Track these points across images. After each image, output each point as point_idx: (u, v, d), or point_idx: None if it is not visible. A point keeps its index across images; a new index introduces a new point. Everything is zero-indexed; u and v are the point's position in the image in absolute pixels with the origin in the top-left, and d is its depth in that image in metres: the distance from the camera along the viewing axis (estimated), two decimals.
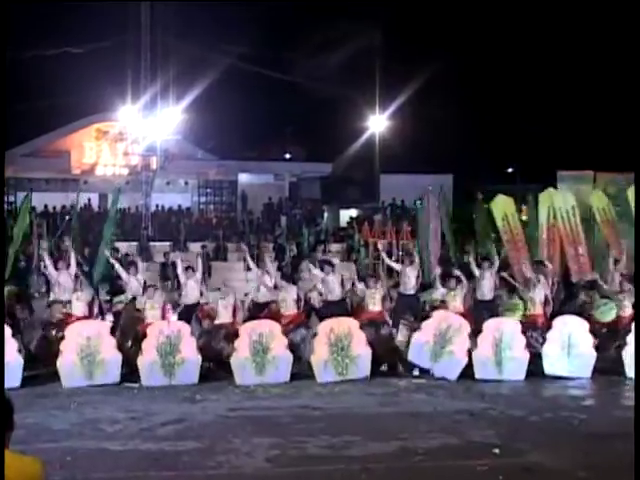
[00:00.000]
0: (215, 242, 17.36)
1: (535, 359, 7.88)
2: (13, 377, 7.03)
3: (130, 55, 18.01)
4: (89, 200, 22.70)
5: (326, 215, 20.88)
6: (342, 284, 9.75)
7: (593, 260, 10.69)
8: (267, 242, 17.97)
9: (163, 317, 8.22)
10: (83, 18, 20.09)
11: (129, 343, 8.01)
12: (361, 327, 8.02)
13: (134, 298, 8.88)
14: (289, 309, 8.59)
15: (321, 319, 8.39)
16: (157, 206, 21.88)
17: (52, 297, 8.93)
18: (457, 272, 9.02)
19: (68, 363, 7.37)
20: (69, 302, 8.52)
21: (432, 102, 23.37)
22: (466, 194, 14.26)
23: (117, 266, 9.50)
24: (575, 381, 7.73)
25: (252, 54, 22.17)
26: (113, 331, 8.02)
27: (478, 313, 8.71)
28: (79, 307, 8.33)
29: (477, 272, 9.19)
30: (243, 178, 24.15)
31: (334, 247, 17.19)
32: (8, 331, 7.30)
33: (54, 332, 8.03)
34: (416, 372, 7.88)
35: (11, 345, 7.24)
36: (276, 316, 8.47)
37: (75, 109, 22.80)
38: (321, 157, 24.47)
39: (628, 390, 7.11)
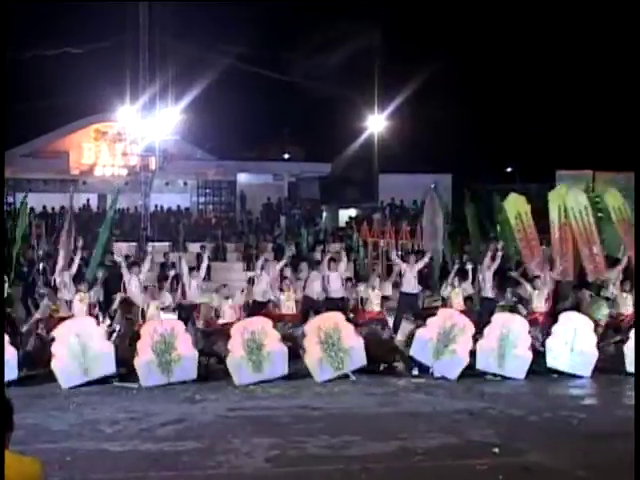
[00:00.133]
0: (214, 242, 17.35)
1: (535, 357, 7.89)
2: (10, 370, 7.04)
3: (129, 55, 18.00)
4: (88, 201, 22.69)
5: (324, 215, 20.90)
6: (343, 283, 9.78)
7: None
8: (266, 242, 17.97)
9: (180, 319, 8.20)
10: (82, 18, 20.09)
11: (126, 343, 8.00)
12: (361, 327, 8.02)
13: (125, 299, 8.85)
14: (288, 309, 8.58)
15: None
16: (156, 206, 21.87)
17: (51, 298, 8.90)
18: (468, 267, 9.07)
19: (62, 364, 7.37)
20: (71, 302, 8.49)
21: (431, 102, 23.39)
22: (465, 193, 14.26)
23: (124, 265, 9.45)
24: (575, 380, 7.75)
25: (251, 54, 22.19)
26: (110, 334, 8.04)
27: (480, 310, 8.78)
28: (81, 308, 8.29)
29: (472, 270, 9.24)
30: (242, 178, 24.14)
31: (333, 247, 17.18)
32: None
33: (46, 333, 8.01)
34: (415, 372, 7.88)
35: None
36: (275, 316, 8.46)
37: (74, 109, 22.80)
38: (320, 157, 24.47)
39: (628, 389, 7.11)
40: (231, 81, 22.43)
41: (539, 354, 7.87)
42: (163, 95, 18.44)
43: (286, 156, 28.72)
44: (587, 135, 23.71)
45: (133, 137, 19.67)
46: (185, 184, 24.06)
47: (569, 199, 10.85)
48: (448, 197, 18.44)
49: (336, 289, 9.65)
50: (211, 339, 8.17)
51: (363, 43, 22.92)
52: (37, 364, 7.65)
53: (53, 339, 7.44)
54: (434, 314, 8.06)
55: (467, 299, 9.08)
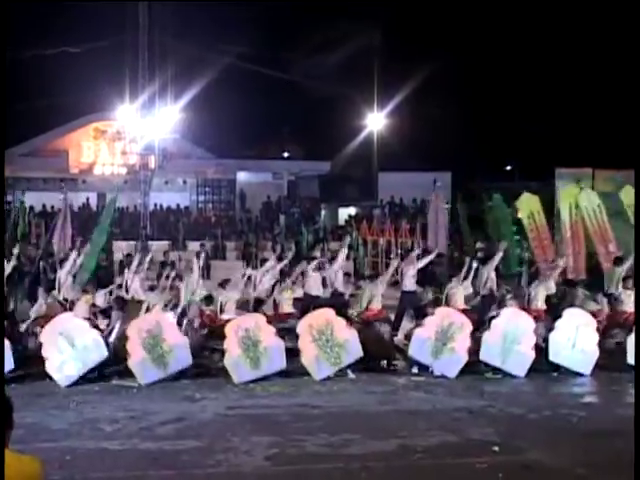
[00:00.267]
0: (214, 241, 17.36)
1: (537, 356, 7.88)
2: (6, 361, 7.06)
3: (128, 54, 17.98)
4: (87, 199, 22.68)
5: (323, 213, 20.91)
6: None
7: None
8: (266, 241, 17.97)
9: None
10: (81, 18, 20.06)
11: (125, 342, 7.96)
12: (362, 325, 8.01)
13: (121, 298, 8.81)
14: (288, 308, 8.57)
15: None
16: (155, 205, 21.86)
17: (51, 298, 8.89)
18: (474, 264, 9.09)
19: (56, 364, 7.38)
20: (73, 302, 8.46)
21: (430, 100, 23.38)
22: (464, 191, 14.30)
23: (135, 263, 9.43)
24: (575, 378, 7.74)
25: (250, 53, 22.16)
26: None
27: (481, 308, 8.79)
28: (85, 309, 8.25)
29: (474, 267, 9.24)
30: (241, 177, 24.12)
31: (333, 245, 17.17)
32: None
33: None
34: (415, 370, 7.87)
35: None
36: (274, 315, 8.45)
37: (73, 108, 22.79)
38: (319, 155, 24.46)
39: (628, 387, 7.10)
40: (230, 80, 22.42)
41: (541, 352, 7.87)
42: (162, 94, 18.45)
43: (285, 154, 28.71)
44: (586, 133, 23.70)
45: (132, 136, 19.66)
46: (184, 183, 24.05)
47: (582, 198, 10.87)
48: (447, 195, 18.45)
49: (337, 286, 9.65)
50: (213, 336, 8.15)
51: (362, 42, 22.92)
52: (34, 364, 7.63)
53: (41, 345, 7.43)
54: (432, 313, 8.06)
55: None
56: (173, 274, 9.25)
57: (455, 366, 7.64)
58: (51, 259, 12.08)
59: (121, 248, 16.39)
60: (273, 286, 9.12)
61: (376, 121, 24.18)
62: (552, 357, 7.82)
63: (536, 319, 8.14)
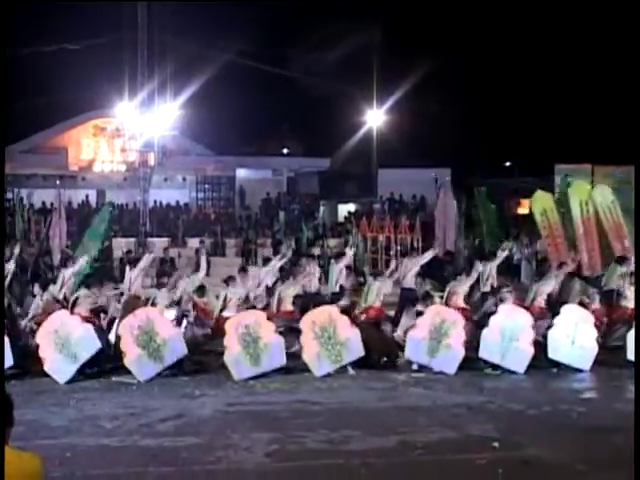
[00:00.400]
0: (213, 238, 17.36)
1: (537, 351, 7.89)
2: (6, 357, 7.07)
3: (127, 51, 17.95)
4: (87, 197, 22.66)
5: (322, 210, 20.88)
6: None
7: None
8: (265, 237, 17.97)
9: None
10: (80, 14, 20.00)
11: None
12: (362, 322, 8.00)
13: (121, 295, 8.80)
14: (290, 305, 8.56)
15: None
16: (155, 202, 21.85)
17: (48, 294, 8.87)
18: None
19: (53, 362, 7.38)
20: (75, 301, 8.43)
21: (430, 96, 23.34)
22: (464, 188, 14.27)
23: (144, 261, 9.42)
24: (574, 374, 7.73)
25: (249, 50, 22.12)
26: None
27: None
28: (86, 308, 8.23)
29: (480, 265, 9.27)
30: (241, 173, 24.11)
31: (332, 242, 17.19)
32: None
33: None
34: (415, 366, 7.88)
35: None
36: (273, 314, 8.43)
37: (72, 106, 22.75)
38: (319, 152, 24.44)
39: (628, 383, 7.10)
40: (230, 77, 22.37)
41: (541, 349, 7.88)
42: (162, 91, 18.42)
43: (285, 151, 28.67)
44: (586, 129, 23.67)
45: (132, 133, 19.64)
46: (184, 179, 24.03)
47: (596, 194, 10.86)
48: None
49: (342, 283, 9.65)
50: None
51: (362, 39, 22.87)
52: (33, 361, 7.63)
53: (38, 346, 7.44)
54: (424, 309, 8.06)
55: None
56: (178, 273, 9.25)
57: (453, 362, 7.64)
58: (47, 257, 12.06)
59: (121, 245, 16.39)
60: (275, 283, 9.09)
61: (375, 118, 24.14)
62: (551, 354, 7.82)
63: (537, 316, 8.15)
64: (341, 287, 9.63)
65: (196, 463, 5.06)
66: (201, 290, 8.80)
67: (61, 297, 8.71)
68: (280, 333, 7.72)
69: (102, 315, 8.45)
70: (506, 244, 9.73)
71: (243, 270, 9.69)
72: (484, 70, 25.28)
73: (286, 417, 6.20)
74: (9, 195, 20.56)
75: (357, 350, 7.59)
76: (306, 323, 7.65)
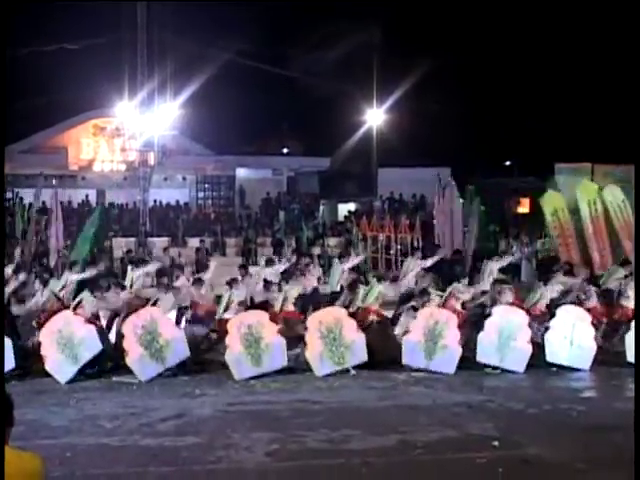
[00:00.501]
0: (213, 237, 17.36)
1: (535, 350, 7.89)
2: (7, 360, 7.06)
3: (127, 51, 17.93)
4: (87, 196, 22.66)
5: (322, 209, 20.87)
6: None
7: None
8: (265, 237, 17.97)
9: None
10: (79, 14, 19.97)
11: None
12: (369, 324, 8.00)
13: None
14: (290, 307, 8.55)
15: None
16: (155, 202, 21.84)
17: (47, 291, 8.88)
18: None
19: (54, 361, 7.38)
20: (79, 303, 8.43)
21: (430, 96, 23.33)
22: (464, 187, 14.24)
23: (155, 264, 9.43)
24: (574, 373, 7.72)
25: (249, 49, 22.10)
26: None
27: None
28: (88, 309, 8.21)
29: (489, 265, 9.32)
30: (241, 173, 24.10)
31: (332, 241, 17.19)
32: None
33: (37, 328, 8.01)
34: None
35: None
36: (274, 314, 8.42)
37: (72, 105, 22.73)
38: (319, 151, 24.44)
39: (628, 382, 7.11)
40: (230, 76, 22.36)
41: (540, 348, 7.87)
42: (161, 90, 18.39)
43: (285, 151, 28.67)
44: (586, 128, 23.65)
45: (132, 132, 19.62)
46: (184, 179, 24.02)
47: (606, 194, 10.89)
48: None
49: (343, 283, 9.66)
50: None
51: (362, 38, 22.84)
52: (34, 361, 7.63)
53: (40, 344, 7.44)
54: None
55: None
56: (184, 274, 9.25)
57: (452, 361, 7.64)
58: (44, 258, 12.07)
59: (121, 245, 16.39)
60: (279, 283, 9.07)
61: (375, 117, 24.11)
62: (549, 358, 7.79)
63: (538, 319, 8.13)
64: (341, 287, 9.64)
65: (196, 463, 5.06)
66: (198, 282, 8.80)
67: (61, 294, 8.71)
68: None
69: (102, 313, 8.43)
70: (515, 248, 9.71)
71: (244, 269, 9.69)
72: (484, 70, 25.28)
73: (287, 416, 6.19)
74: (8, 195, 20.56)
75: (361, 354, 7.60)
76: (313, 322, 7.66)
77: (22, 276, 8.78)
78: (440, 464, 5.10)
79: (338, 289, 9.72)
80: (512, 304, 8.79)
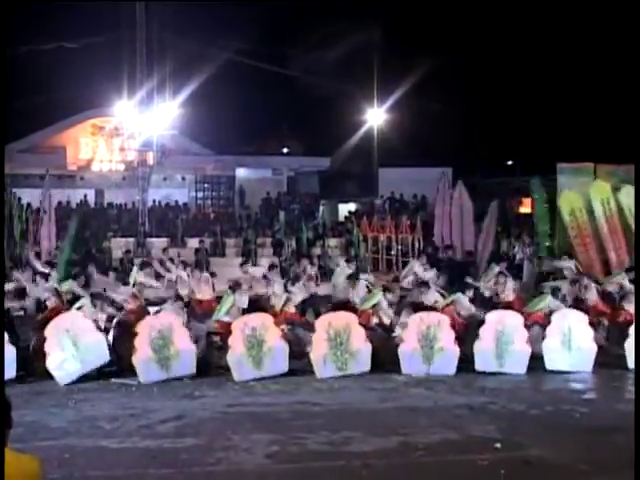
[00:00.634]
0: (213, 237, 17.31)
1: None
2: (8, 368, 7.00)
3: (126, 50, 17.87)
4: (85, 196, 22.59)
5: (322, 209, 20.81)
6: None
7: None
8: (265, 237, 17.93)
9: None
10: (78, 13, 19.92)
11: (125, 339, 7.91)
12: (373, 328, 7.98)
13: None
14: (291, 309, 8.52)
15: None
16: (154, 202, 21.78)
17: (48, 292, 8.84)
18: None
19: (57, 361, 7.33)
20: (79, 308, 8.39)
21: (431, 95, 23.30)
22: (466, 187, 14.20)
23: (163, 266, 9.41)
24: (576, 375, 7.68)
25: (249, 49, 22.08)
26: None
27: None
28: (91, 311, 8.17)
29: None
30: (241, 173, 24.03)
31: (332, 242, 17.15)
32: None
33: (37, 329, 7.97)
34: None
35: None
36: (275, 314, 8.40)
37: (70, 104, 22.66)
38: (319, 151, 24.37)
39: (630, 384, 7.09)
40: (229, 75, 22.33)
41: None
42: (161, 89, 18.33)
43: (285, 150, 28.64)
44: (587, 127, 23.61)
45: (130, 132, 19.57)
46: (183, 179, 23.95)
47: (622, 195, 10.86)
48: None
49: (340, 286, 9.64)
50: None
51: (362, 37, 22.83)
52: (33, 362, 7.58)
53: (44, 339, 7.39)
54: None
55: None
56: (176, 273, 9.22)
57: (451, 363, 7.61)
58: (38, 259, 12.03)
59: (120, 245, 16.35)
60: (285, 285, 9.04)
61: (376, 116, 24.08)
62: (549, 365, 7.73)
63: (540, 324, 8.09)
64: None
65: (196, 464, 5.03)
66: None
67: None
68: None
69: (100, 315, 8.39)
70: (517, 249, 9.68)
71: (245, 271, 9.68)
72: (485, 69, 25.24)
73: (287, 418, 6.16)
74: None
75: (364, 364, 7.56)
76: (322, 323, 7.62)
77: (18, 275, 8.74)
78: (441, 466, 5.07)
79: (343, 287, 9.68)
80: (512, 303, 8.78)
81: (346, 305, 9.16)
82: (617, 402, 6.66)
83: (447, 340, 7.62)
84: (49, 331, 7.40)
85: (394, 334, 8.31)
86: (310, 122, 26.60)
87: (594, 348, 7.82)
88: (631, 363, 7.57)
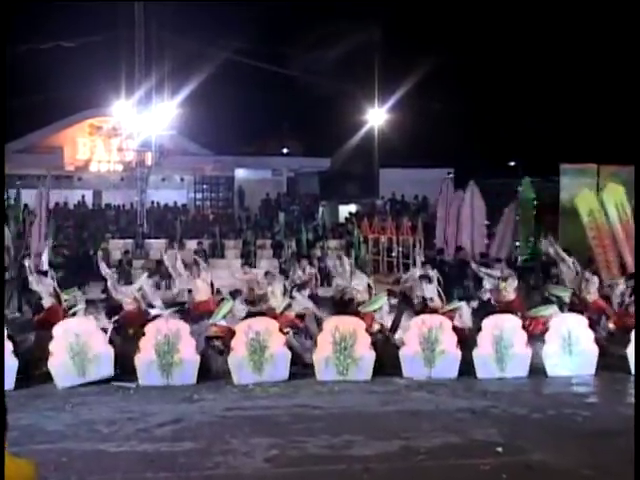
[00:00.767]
0: (212, 239, 17.24)
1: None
2: (7, 379, 6.91)
3: (124, 49, 17.78)
4: (83, 197, 22.51)
5: (321, 210, 20.73)
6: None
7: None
8: (265, 239, 17.86)
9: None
10: (76, 12, 19.85)
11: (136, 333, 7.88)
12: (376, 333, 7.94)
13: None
14: (292, 312, 8.46)
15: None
16: (152, 203, 21.71)
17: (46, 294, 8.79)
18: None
19: (60, 363, 7.26)
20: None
21: (432, 95, 23.22)
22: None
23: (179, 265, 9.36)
24: (578, 378, 7.64)
25: (249, 48, 22.02)
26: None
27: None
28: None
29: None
30: (240, 174, 23.96)
31: (333, 243, 17.08)
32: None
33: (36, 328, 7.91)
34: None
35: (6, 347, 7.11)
36: (274, 316, 8.34)
37: (68, 104, 22.57)
38: (319, 152, 24.30)
39: (632, 387, 7.03)
40: (229, 75, 22.27)
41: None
42: (159, 89, 18.25)
43: (285, 151, 28.57)
44: (591, 128, 23.55)
45: (129, 132, 19.47)
46: (182, 180, 23.88)
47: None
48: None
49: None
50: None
51: (363, 37, 22.79)
52: (31, 366, 7.51)
53: (52, 337, 7.32)
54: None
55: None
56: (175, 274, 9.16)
57: (452, 366, 7.57)
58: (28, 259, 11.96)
59: (118, 246, 16.28)
60: (291, 290, 8.97)
61: (377, 117, 24.00)
62: (550, 372, 7.68)
63: (541, 330, 8.04)
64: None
65: (194, 469, 4.99)
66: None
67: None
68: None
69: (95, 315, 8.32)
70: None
71: (245, 272, 9.63)
72: (487, 69, 25.19)
73: (286, 422, 6.11)
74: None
75: (366, 371, 7.52)
76: (329, 325, 7.58)
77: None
78: (443, 470, 5.03)
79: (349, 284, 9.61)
80: (513, 301, 8.74)
81: (347, 302, 9.11)
82: (620, 405, 6.61)
83: (449, 343, 7.57)
84: (58, 330, 7.33)
85: (395, 337, 8.27)
86: (310, 122, 26.54)
87: (595, 351, 7.76)
88: (634, 369, 7.50)
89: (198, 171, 23.63)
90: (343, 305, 9.32)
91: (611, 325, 8.64)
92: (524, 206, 13.19)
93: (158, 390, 7.16)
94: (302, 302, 8.46)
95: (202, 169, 23.54)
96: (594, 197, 11.08)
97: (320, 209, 21.04)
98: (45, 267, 9.56)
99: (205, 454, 5.25)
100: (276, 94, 25.22)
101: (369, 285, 9.21)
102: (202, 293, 9.09)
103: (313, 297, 9.33)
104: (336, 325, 7.54)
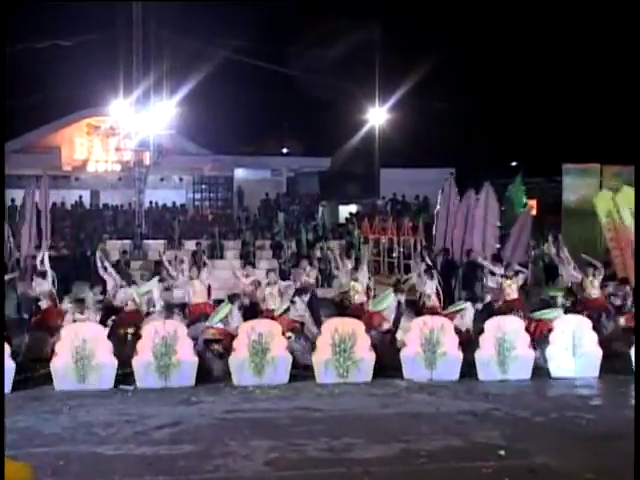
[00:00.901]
0: (211, 239, 17.17)
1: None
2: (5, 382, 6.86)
3: (122, 48, 17.68)
4: (80, 197, 22.42)
5: (321, 210, 20.67)
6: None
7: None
8: (264, 239, 17.80)
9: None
10: (73, 10, 19.77)
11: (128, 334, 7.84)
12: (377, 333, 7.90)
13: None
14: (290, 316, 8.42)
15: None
16: (151, 203, 21.63)
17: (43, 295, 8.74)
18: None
19: (62, 365, 7.21)
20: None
21: (433, 95, 23.14)
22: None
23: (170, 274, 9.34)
24: (581, 380, 7.61)
25: (248, 47, 21.95)
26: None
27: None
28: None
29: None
30: (239, 173, 23.88)
31: (333, 244, 17.00)
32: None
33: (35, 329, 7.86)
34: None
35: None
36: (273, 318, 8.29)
37: (65, 103, 22.45)
38: (319, 151, 24.21)
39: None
40: (228, 74, 22.20)
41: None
42: (157, 88, 18.14)
43: (284, 151, 28.50)
44: (594, 128, 23.50)
45: (127, 131, 19.36)
46: (180, 180, 23.79)
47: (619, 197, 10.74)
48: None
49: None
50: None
51: (363, 36, 22.74)
52: (29, 367, 7.46)
53: (48, 339, 7.26)
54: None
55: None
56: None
57: (454, 369, 7.53)
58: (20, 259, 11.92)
59: (116, 247, 16.21)
60: (293, 295, 8.92)
61: (377, 116, 23.92)
62: (554, 373, 7.65)
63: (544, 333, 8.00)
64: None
65: (193, 472, 4.95)
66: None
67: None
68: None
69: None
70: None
71: (245, 273, 9.59)
72: (488, 68, 25.15)
73: (286, 424, 6.07)
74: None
75: (366, 374, 7.49)
76: (328, 327, 7.55)
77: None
78: (444, 473, 5.00)
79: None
80: (515, 300, 8.71)
81: (346, 304, 9.06)
82: (624, 408, 6.57)
83: (450, 345, 7.53)
84: (66, 331, 7.29)
85: (396, 337, 8.22)
86: (310, 122, 26.47)
87: (599, 353, 7.73)
88: (634, 369, 7.47)
89: (197, 171, 23.55)
90: (343, 307, 9.26)
91: (622, 321, 8.59)
92: (509, 209, 12.98)
93: (156, 392, 7.11)
94: (300, 309, 8.41)
95: (201, 169, 23.46)
96: (610, 197, 10.96)
97: (320, 209, 20.97)
98: (46, 267, 9.51)
99: (204, 457, 5.21)
100: (276, 94, 25.16)
101: (368, 287, 9.17)
102: (200, 295, 9.03)
103: (313, 300, 9.28)
104: (336, 327, 7.51)
